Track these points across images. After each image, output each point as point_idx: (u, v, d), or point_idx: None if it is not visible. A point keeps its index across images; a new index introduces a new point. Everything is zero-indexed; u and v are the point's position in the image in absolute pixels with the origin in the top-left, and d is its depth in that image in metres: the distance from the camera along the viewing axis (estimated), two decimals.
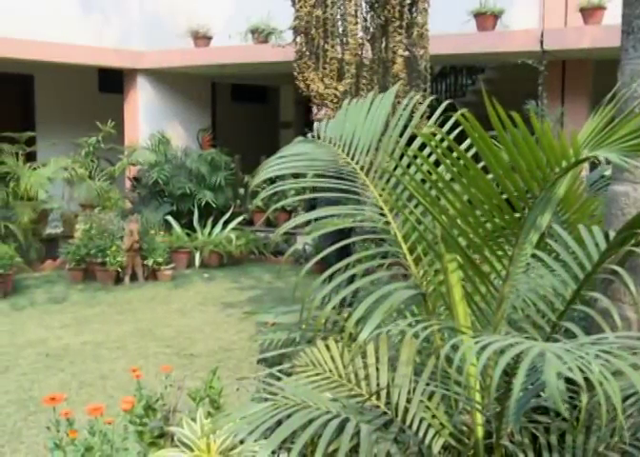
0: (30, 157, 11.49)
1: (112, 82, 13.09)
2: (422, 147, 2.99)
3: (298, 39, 7.58)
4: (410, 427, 2.53)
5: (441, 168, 2.58)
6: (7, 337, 7.17)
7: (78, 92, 13.35)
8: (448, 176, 2.54)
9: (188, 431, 2.74)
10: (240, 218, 11.60)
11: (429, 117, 3.39)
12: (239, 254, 10.97)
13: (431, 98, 3.81)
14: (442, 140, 2.57)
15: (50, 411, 4.88)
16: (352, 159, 3.14)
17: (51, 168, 10.73)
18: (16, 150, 10.81)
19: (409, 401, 2.55)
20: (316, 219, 3.22)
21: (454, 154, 2.43)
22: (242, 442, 2.60)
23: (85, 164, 11.24)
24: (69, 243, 10.03)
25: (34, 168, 10.70)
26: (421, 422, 2.54)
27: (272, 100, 16.48)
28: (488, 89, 2.37)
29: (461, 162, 2.39)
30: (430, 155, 2.75)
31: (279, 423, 2.28)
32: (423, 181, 2.72)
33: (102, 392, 5.56)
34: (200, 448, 2.67)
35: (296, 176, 3.66)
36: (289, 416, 2.28)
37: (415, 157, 2.81)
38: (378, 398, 2.57)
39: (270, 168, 3.06)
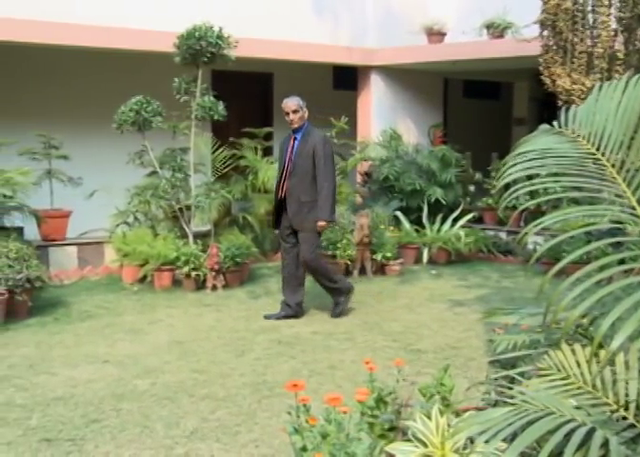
0: (267, 152, 12.00)
1: (346, 79, 13.38)
2: None
3: (545, 33, 7.33)
4: None
5: None
6: (243, 323, 7.54)
7: (314, 89, 13.75)
8: None
9: (422, 427, 2.72)
10: (470, 216, 11.48)
11: None
12: (467, 252, 10.87)
13: None
14: None
15: (282, 397, 5.08)
16: (603, 155, 2.97)
17: None
18: (255, 145, 11.34)
19: None
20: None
21: None
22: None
23: None
24: None
25: (271, 163, 11.16)
26: None
27: (505, 96, 16.11)
28: None
29: None
30: None
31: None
32: None
33: (331, 382, 5.67)
34: (434, 445, 2.65)
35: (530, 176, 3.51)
36: (529, 422, 2.19)
37: None
38: (627, 409, 2.42)
39: (517, 166, 2.95)
